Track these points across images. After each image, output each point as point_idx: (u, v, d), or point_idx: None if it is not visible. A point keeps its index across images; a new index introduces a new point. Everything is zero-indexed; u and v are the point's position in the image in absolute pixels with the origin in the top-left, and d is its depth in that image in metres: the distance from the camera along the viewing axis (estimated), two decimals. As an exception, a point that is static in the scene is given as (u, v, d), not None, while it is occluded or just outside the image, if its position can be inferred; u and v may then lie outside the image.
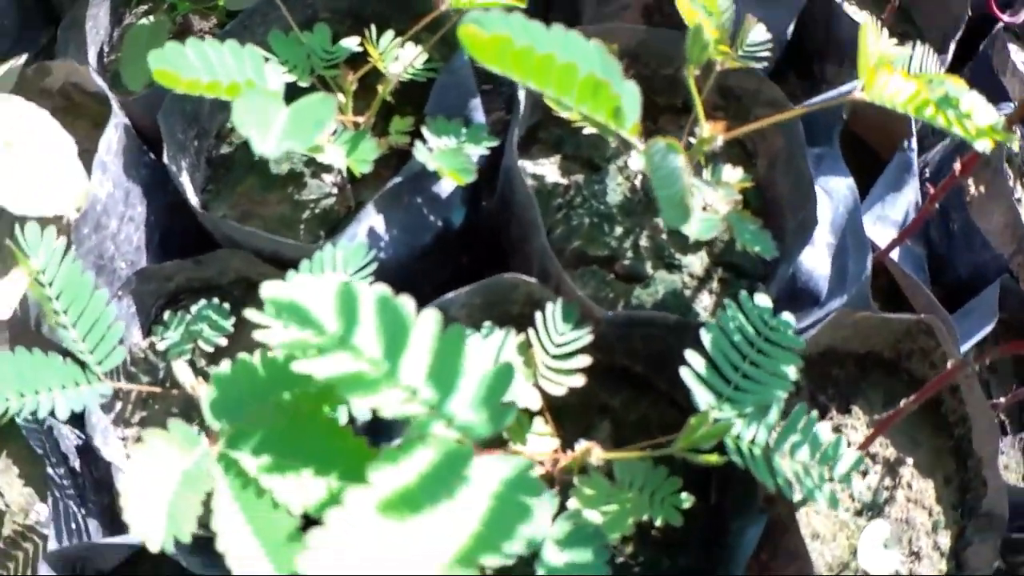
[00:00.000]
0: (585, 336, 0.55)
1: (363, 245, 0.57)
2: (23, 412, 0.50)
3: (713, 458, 0.49)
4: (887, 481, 0.61)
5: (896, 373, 0.66)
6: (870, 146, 0.73)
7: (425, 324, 0.39)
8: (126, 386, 0.55)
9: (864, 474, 0.63)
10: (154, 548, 0.35)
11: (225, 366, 0.41)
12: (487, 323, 0.55)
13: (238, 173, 0.70)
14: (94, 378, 0.53)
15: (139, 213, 0.66)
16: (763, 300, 0.54)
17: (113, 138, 0.63)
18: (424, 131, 0.62)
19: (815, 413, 0.50)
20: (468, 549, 0.34)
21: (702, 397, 0.50)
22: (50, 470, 0.65)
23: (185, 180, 0.63)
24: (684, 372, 0.51)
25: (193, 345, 0.62)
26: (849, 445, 0.63)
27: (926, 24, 0.80)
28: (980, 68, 0.79)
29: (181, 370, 0.55)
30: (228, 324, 0.62)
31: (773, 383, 0.52)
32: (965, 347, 0.64)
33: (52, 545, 0.63)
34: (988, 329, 0.64)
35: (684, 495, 0.53)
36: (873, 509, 0.60)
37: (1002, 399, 0.65)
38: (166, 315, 0.62)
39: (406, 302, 0.38)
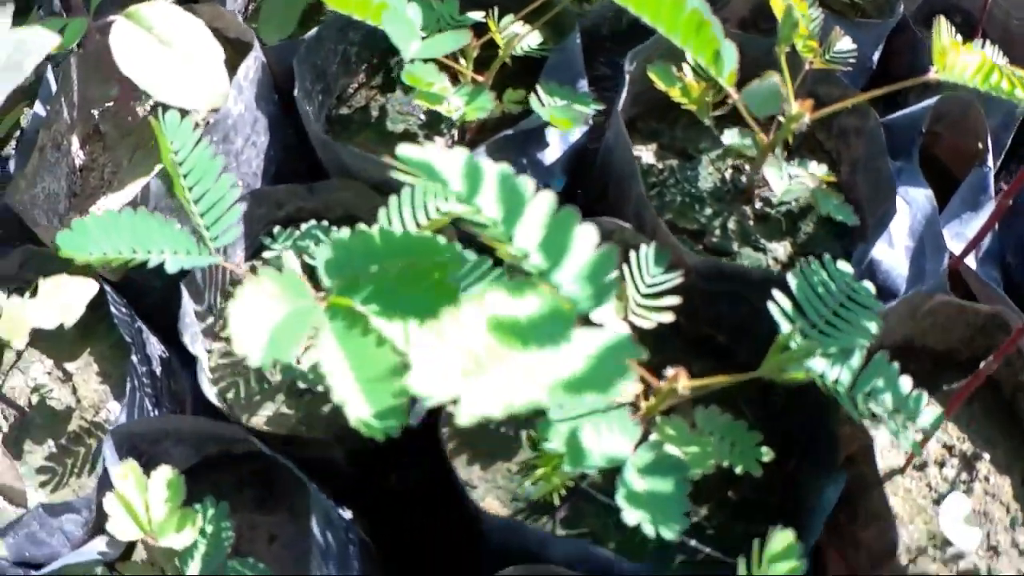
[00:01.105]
0: (675, 279, 0.55)
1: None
2: (134, 261, 0.49)
3: (800, 375, 0.47)
4: (964, 475, 0.59)
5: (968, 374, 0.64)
6: (947, 168, 0.74)
7: (540, 201, 0.40)
8: (228, 264, 0.55)
9: (941, 465, 0.60)
10: (254, 363, 0.35)
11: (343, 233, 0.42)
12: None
13: (354, 130, 0.73)
14: (206, 251, 0.53)
15: (262, 142, 0.69)
16: (844, 266, 0.54)
17: (251, 67, 0.66)
18: (538, 91, 0.64)
19: (896, 364, 0.49)
20: (571, 381, 0.33)
21: (787, 329, 0.50)
22: (134, 358, 0.64)
23: (310, 110, 0.66)
24: (771, 306, 0.51)
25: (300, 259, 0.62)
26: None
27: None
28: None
29: (289, 258, 0.55)
30: (334, 244, 0.62)
31: (855, 332, 0.52)
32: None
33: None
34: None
35: (764, 448, 0.52)
36: (950, 500, 0.57)
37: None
38: (275, 230, 0.63)
39: (525, 180, 0.39)
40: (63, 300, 0.62)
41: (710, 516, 0.58)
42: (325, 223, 0.63)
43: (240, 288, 0.38)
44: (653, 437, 0.50)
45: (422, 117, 0.73)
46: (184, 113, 0.57)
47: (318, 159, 0.70)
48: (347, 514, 0.62)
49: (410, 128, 0.72)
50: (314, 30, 0.69)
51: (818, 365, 0.49)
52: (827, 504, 0.51)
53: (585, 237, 0.40)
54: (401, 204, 0.53)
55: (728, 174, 0.70)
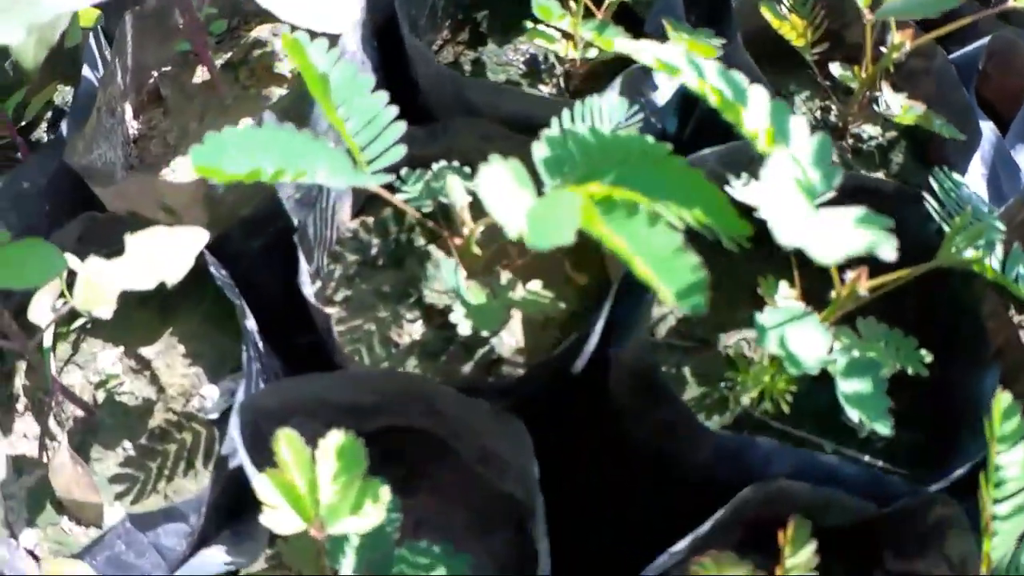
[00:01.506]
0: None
1: (624, 100, 0.57)
2: (287, 176, 0.43)
3: (976, 257, 0.49)
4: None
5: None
6: (994, 108, 0.80)
7: (757, 90, 0.43)
8: (383, 192, 0.49)
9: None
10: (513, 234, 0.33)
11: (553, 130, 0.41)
12: (744, 174, 0.55)
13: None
14: (363, 175, 0.48)
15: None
16: (959, 177, 0.58)
17: (358, 6, 0.62)
18: (664, 25, 0.64)
19: None
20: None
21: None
22: (248, 323, 0.56)
23: (426, 48, 0.62)
24: (927, 204, 0.53)
25: (433, 203, 0.58)
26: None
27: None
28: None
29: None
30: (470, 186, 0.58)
31: (989, 228, 0.54)
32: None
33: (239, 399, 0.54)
34: None
35: (923, 351, 0.54)
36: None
37: None
38: (403, 172, 0.59)
39: (739, 74, 0.41)
40: (163, 254, 0.53)
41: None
42: (456, 163, 0.60)
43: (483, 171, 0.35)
44: (836, 345, 0.50)
45: (522, 67, 0.71)
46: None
47: (424, 107, 0.66)
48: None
49: (512, 77, 0.70)
50: (407, -24, 0.66)
51: (970, 253, 0.51)
52: (988, 393, 0.53)
53: (799, 124, 0.43)
54: (573, 116, 0.51)
55: (819, 113, 0.72)
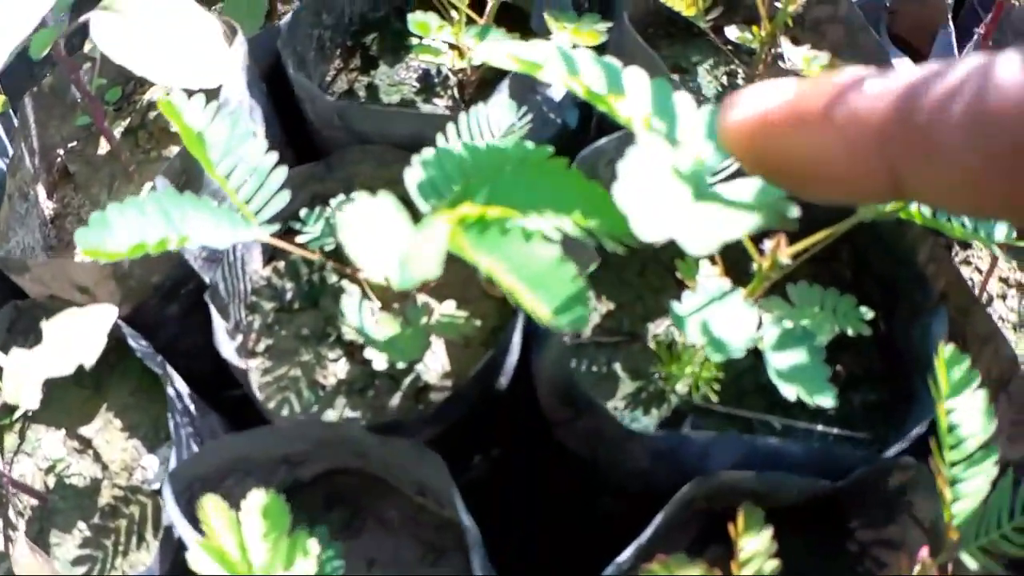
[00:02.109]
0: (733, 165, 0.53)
1: (513, 103, 0.54)
2: (171, 244, 0.42)
3: (899, 204, 0.46)
4: (1026, 301, 0.59)
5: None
6: (908, 43, 0.77)
7: (634, 72, 0.38)
8: (278, 242, 0.48)
9: (1003, 297, 0.60)
10: (398, 286, 0.30)
11: (427, 152, 0.38)
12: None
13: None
14: (250, 225, 0.46)
15: (261, 133, 0.62)
16: None
17: (240, 51, 0.60)
18: (545, 19, 0.62)
19: None
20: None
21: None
22: (170, 390, 0.55)
23: (311, 84, 0.60)
24: None
25: (334, 241, 0.56)
26: (981, 273, 0.61)
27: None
28: None
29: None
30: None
31: None
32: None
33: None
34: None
35: (864, 308, 0.50)
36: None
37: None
38: (302, 213, 0.57)
39: (613, 59, 0.38)
40: (77, 336, 0.52)
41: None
42: (353, 196, 0.58)
43: (343, 213, 0.33)
44: (766, 318, 0.47)
45: (415, 84, 0.68)
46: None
47: (317, 146, 0.65)
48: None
49: (406, 96, 0.68)
50: (288, 15, 0.64)
51: (894, 204, 0.48)
52: (937, 339, 0.50)
53: (684, 100, 0.39)
54: (459, 130, 0.49)
55: (725, 79, 0.69)
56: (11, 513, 0.61)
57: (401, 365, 0.55)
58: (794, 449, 0.48)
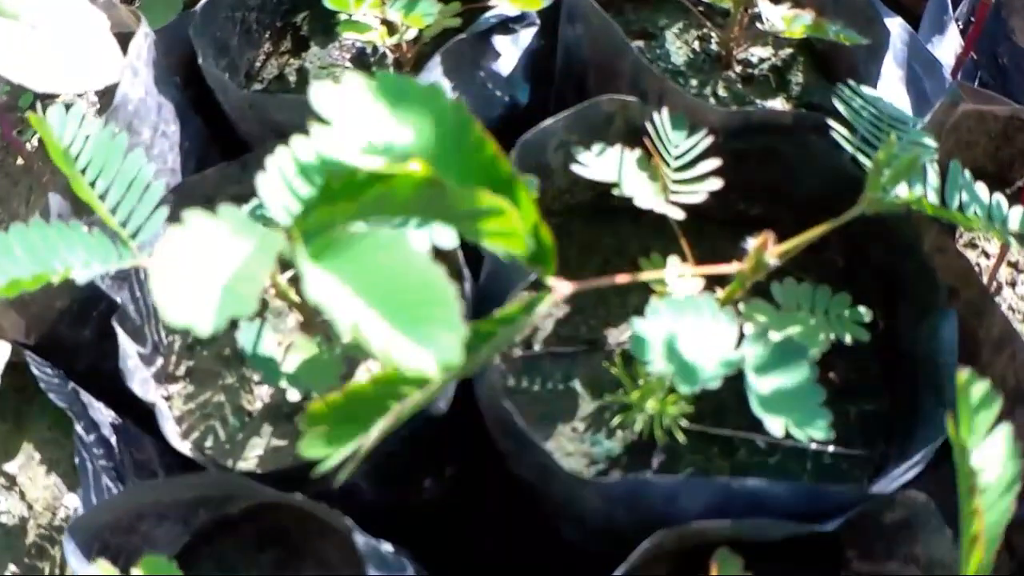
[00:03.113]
0: (702, 140, 0.44)
1: (438, 84, 0.46)
2: (54, 278, 0.36)
3: (911, 196, 0.37)
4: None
5: (1003, 186, 0.56)
6: (904, 6, 0.67)
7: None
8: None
9: (1012, 284, 0.52)
10: (206, 329, 0.22)
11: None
12: (597, 144, 0.44)
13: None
14: (126, 250, 0.39)
15: (172, 132, 0.54)
16: (870, 89, 0.46)
17: (143, 45, 0.52)
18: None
19: (968, 171, 0.40)
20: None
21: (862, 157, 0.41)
22: (79, 429, 0.48)
23: (224, 76, 0.52)
24: (833, 133, 0.41)
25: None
26: (988, 257, 0.53)
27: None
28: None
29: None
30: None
31: (916, 147, 0.43)
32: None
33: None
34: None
35: (861, 308, 0.42)
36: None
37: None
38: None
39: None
40: None
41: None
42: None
43: (162, 241, 0.25)
44: (747, 330, 0.38)
45: (348, 64, 0.60)
46: (68, 106, 0.42)
47: (239, 141, 0.56)
48: (389, 548, 0.47)
49: (338, 79, 0.59)
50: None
51: (902, 191, 0.40)
52: (947, 345, 0.41)
53: None
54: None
55: (697, 44, 0.60)
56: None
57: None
58: (777, 491, 0.39)
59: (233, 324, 0.53)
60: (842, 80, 0.46)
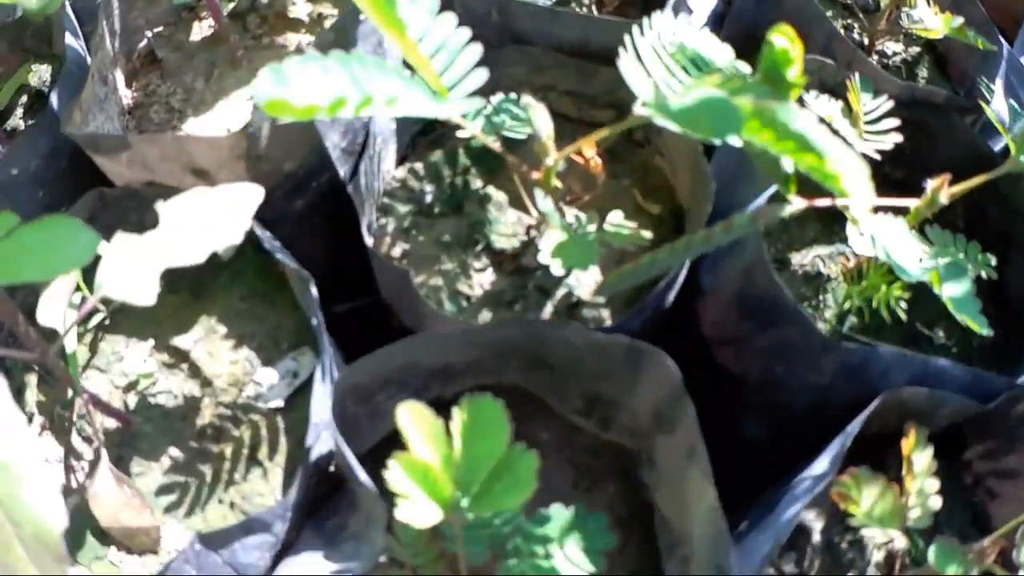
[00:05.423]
0: (885, 103, 0.51)
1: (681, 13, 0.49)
2: (375, 106, 0.34)
3: None
4: None
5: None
6: (1002, 29, 0.77)
7: None
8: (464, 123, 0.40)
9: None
10: None
11: None
12: (812, 92, 0.49)
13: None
14: (444, 100, 0.39)
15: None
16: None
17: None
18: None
19: None
20: None
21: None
22: (314, 291, 0.45)
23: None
24: (987, 113, 0.49)
25: (496, 139, 0.49)
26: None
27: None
28: None
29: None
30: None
31: None
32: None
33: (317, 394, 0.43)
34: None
35: (989, 255, 0.50)
36: None
37: None
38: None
39: None
40: (210, 220, 0.41)
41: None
42: (513, 95, 0.50)
43: None
44: (925, 250, 0.45)
45: None
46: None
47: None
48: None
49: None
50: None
51: None
52: None
53: None
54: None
55: (843, 33, 0.67)
56: (76, 439, 0.49)
57: (559, 275, 0.48)
58: (955, 372, 0.47)
59: (458, 209, 0.52)
60: (954, 81, 0.54)
